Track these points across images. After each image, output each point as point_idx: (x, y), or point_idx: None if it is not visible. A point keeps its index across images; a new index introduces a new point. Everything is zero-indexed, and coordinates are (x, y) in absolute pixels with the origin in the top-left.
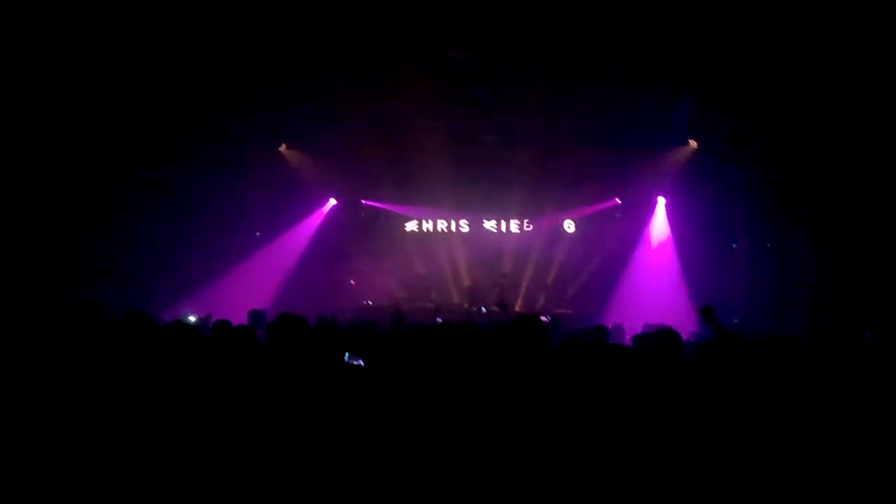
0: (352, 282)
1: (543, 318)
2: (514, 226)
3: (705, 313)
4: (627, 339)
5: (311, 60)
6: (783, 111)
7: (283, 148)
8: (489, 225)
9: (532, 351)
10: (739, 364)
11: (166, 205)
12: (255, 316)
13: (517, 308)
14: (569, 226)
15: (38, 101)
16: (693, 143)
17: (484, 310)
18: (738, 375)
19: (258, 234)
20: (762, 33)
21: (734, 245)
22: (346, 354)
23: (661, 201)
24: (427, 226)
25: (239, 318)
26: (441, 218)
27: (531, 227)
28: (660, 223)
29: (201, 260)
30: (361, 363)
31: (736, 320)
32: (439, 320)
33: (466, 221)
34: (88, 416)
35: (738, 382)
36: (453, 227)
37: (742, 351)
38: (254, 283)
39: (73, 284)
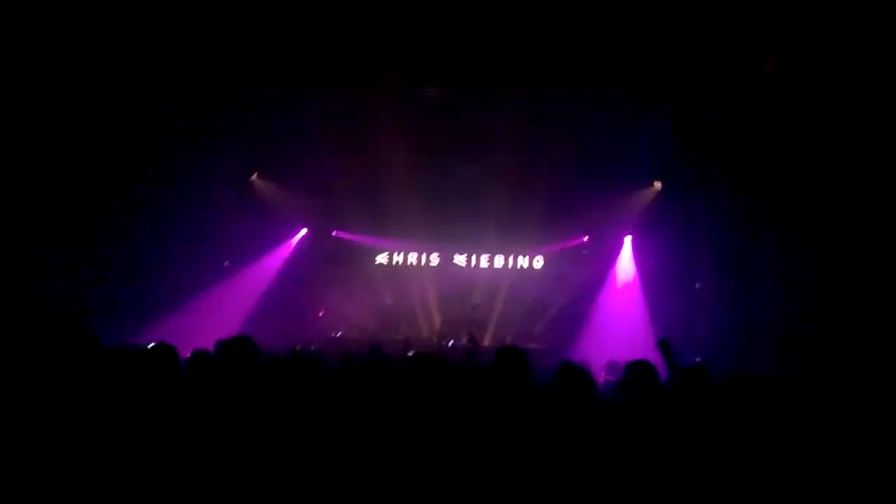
0: (321, 313)
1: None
2: (484, 261)
3: (662, 346)
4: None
5: (284, 91)
6: (746, 154)
7: (254, 177)
8: (459, 259)
9: (516, 384)
10: (702, 399)
11: (133, 232)
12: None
13: (486, 342)
14: (538, 262)
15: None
16: (657, 184)
17: (451, 342)
18: (703, 411)
19: (226, 263)
20: (725, 79)
21: (698, 284)
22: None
23: (628, 240)
24: (397, 258)
25: (208, 348)
26: (412, 251)
27: (501, 262)
28: (626, 261)
29: (166, 288)
30: None
31: (699, 359)
32: (410, 354)
33: (437, 255)
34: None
35: (703, 418)
36: (423, 261)
37: (702, 385)
38: (222, 313)
39: (38, 314)
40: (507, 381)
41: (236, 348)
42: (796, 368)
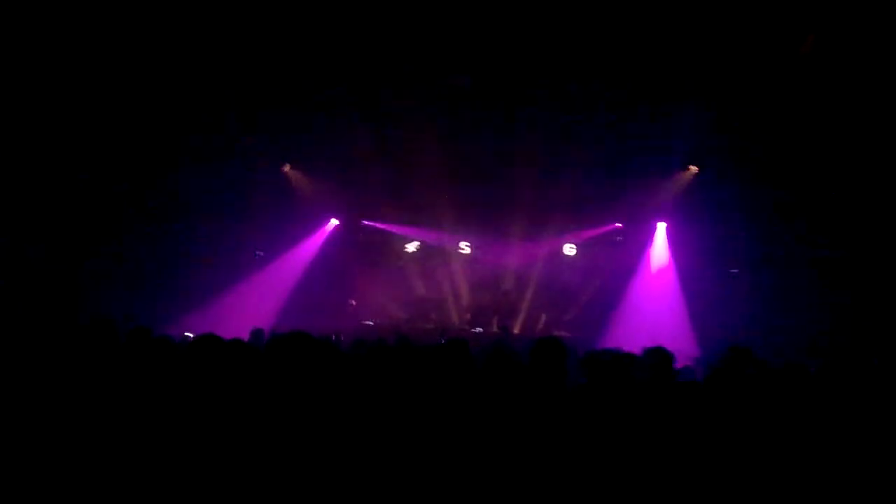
0: (352, 302)
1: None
2: (515, 248)
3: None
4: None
5: (315, 83)
6: (784, 137)
7: (286, 168)
8: (490, 246)
9: (551, 374)
10: (753, 391)
11: (169, 222)
12: (257, 334)
13: (517, 330)
14: (570, 249)
15: (44, 114)
16: (693, 169)
17: (480, 329)
18: (753, 403)
19: (260, 253)
20: (761, 60)
21: (734, 270)
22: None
23: (662, 226)
24: (428, 247)
25: (241, 335)
26: (442, 239)
27: (532, 249)
28: (660, 248)
29: (203, 278)
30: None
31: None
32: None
33: (468, 243)
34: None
35: (754, 410)
36: (454, 248)
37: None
38: (255, 303)
39: (77, 302)
40: (544, 376)
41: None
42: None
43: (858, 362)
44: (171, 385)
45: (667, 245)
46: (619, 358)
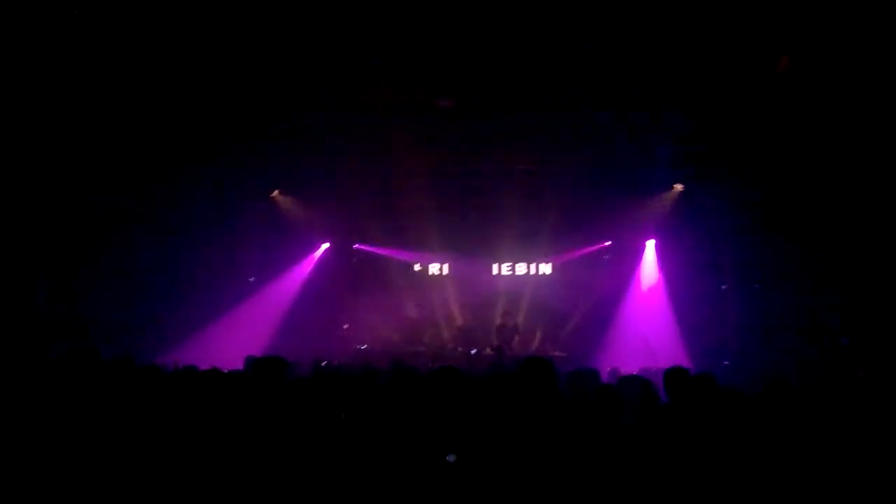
0: (345, 326)
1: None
2: (506, 269)
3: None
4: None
5: (301, 109)
6: (767, 154)
7: (275, 194)
8: (481, 267)
9: (542, 395)
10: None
11: (158, 249)
12: (251, 363)
13: (514, 349)
14: (559, 269)
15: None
16: (678, 186)
17: (474, 351)
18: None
19: (251, 279)
20: (742, 80)
21: (723, 286)
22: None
23: (651, 244)
24: (419, 269)
25: (234, 363)
26: (433, 261)
27: (523, 269)
28: (650, 265)
29: (194, 305)
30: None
31: (727, 362)
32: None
33: (459, 265)
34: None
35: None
36: (445, 271)
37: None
38: (248, 329)
39: (63, 333)
40: (533, 392)
41: (269, 367)
42: (821, 371)
43: (844, 376)
44: (153, 414)
45: (656, 262)
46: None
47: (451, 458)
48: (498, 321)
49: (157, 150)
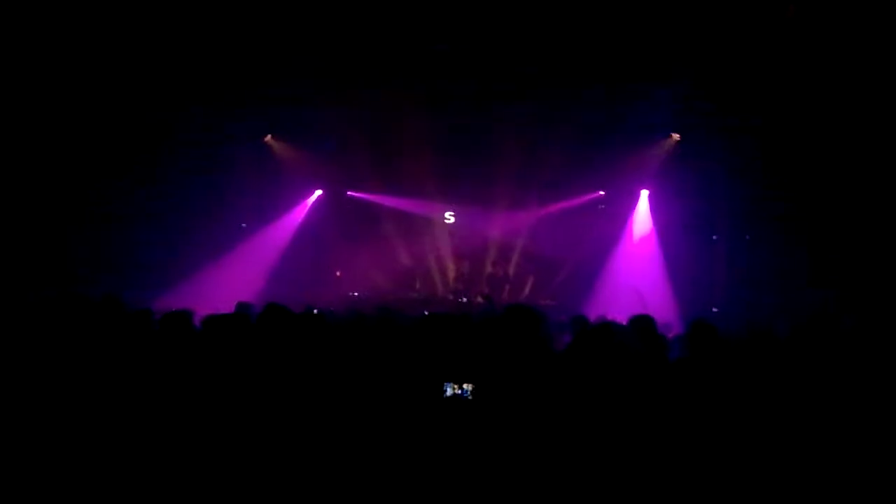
0: (338, 273)
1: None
2: (500, 216)
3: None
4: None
5: (296, 54)
6: (765, 106)
7: (268, 138)
8: (475, 215)
9: (526, 343)
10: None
11: (151, 195)
12: (243, 308)
13: (505, 298)
14: (553, 217)
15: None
16: (675, 136)
17: (464, 300)
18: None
19: (244, 225)
20: (744, 28)
21: (714, 237)
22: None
23: (645, 194)
24: (413, 216)
25: (227, 309)
26: (427, 209)
27: (516, 217)
28: (642, 215)
29: (187, 251)
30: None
31: (716, 309)
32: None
33: (452, 213)
34: (87, 405)
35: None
36: (439, 218)
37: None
38: (240, 275)
39: (59, 278)
40: (518, 339)
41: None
42: (811, 319)
43: (829, 324)
44: (145, 359)
45: (649, 213)
46: (607, 325)
47: (448, 388)
48: (489, 270)
49: (146, 87)
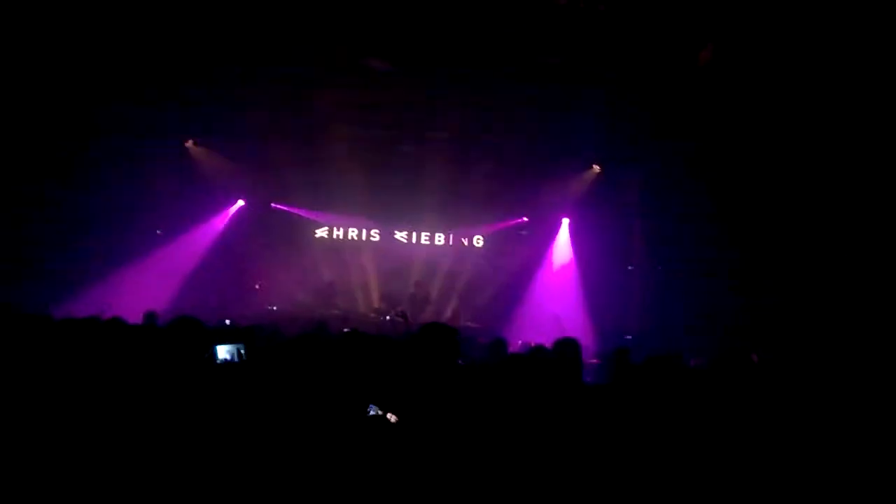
0: (257, 286)
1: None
2: (424, 238)
3: (620, 355)
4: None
5: (222, 57)
6: (682, 140)
7: (189, 144)
8: (400, 236)
9: (440, 362)
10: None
11: (61, 195)
12: (150, 318)
13: (427, 318)
14: (478, 241)
15: None
16: (596, 168)
17: (386, 318)
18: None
19: (159, 231)
20: (660, 68)
21: (630, 267)
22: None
23: (566, 222)
24: (337, 233)
25: (135, 318)
26: (352, 226)
27: (441, 240)
28: (563, 243)
29: (98, 256)
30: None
31: (629, 337)
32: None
33: (377, 231)
34: None
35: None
36: (364, 236)
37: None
38: (153, 283)
39: None
40: (432, 357)
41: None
42: (721, 352)
43: (738, 358)
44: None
45: (570, 240)
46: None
47: (373, 409)
48: (411, 290)
49: (63, 80)
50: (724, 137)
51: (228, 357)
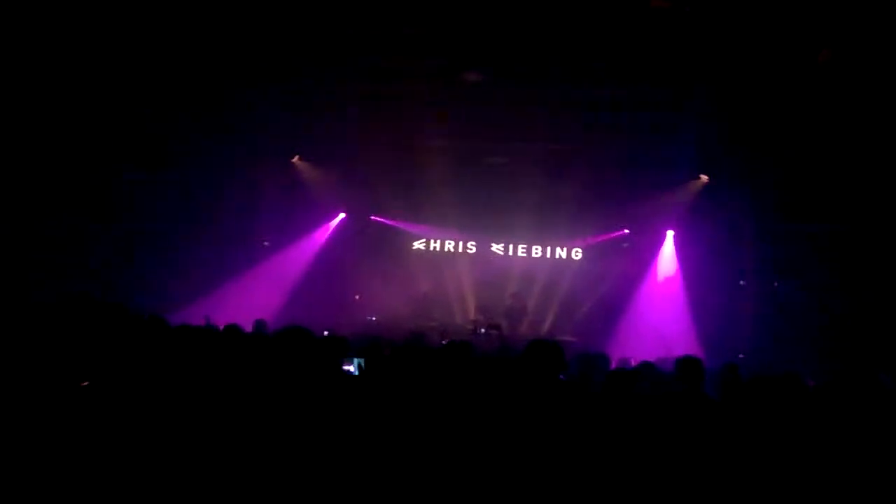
0: (356, 297)
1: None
2: (521, 250)
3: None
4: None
5: (327, 75)
6: (795, 149)
7: (296, 159)
8: (496, 248)
9: (546, 378)
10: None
11: (177, 208)
12: (260, 326)
13: (523, 331)
14: (576, 253)
15: (46, 101)
16: (704, 178)
17: (483, 330)
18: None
19: (266, 243)
20: (776, 70)
21: (742, 282)
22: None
23: (670, 234)
24: (434, 245)
25: (243, 326)
26: (449, 238)
27: (539, 252)
28: (668, 256)
29: (208, 266)
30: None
31: (742, 355)
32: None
33: (474, 243)
34: (102, 411)
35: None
36: (460, 248)
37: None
38: (259, 293)
39: (80, 287)
40: (536, 375)
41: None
42: (843, 372)
43: (863, 378)
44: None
45: (675, 254)
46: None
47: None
48: (507, 302)
49: (176, 102)
50: (845, 144)
51: (352, 369)
